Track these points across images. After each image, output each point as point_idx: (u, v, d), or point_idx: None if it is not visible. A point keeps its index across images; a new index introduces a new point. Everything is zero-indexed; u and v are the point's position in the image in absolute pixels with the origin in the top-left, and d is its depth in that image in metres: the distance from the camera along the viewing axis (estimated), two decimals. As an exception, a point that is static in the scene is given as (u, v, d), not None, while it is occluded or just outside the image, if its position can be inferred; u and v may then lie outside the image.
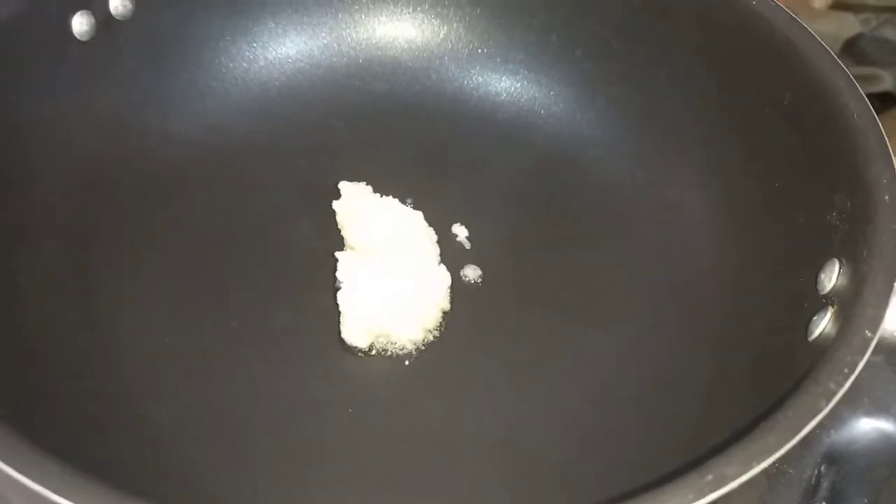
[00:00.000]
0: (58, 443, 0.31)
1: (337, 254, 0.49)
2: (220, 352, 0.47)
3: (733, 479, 0.28)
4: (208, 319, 0.48)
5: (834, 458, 0.46)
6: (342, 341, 0.47)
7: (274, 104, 0.58)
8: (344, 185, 0.52)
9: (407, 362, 0.47)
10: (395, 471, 0.43)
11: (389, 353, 0.47)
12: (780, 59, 0.47)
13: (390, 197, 0.52)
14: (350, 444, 0.44)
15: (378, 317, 0.47)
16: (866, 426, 0.46)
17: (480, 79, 0.60)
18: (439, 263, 0.50)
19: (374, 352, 0.47)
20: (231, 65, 0.58)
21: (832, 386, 0.31)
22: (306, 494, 0.42)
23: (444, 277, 0.49)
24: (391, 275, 0.48)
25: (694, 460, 0.30)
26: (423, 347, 0.48)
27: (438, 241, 0.51)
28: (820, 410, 0.30)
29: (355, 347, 0.47)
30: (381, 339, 0.47)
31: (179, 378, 0.45)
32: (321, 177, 0.54)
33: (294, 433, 0.44)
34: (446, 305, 0.49)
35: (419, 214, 0.51)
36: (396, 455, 0.44)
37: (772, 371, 0.39)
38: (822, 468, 0.46)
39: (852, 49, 0.84)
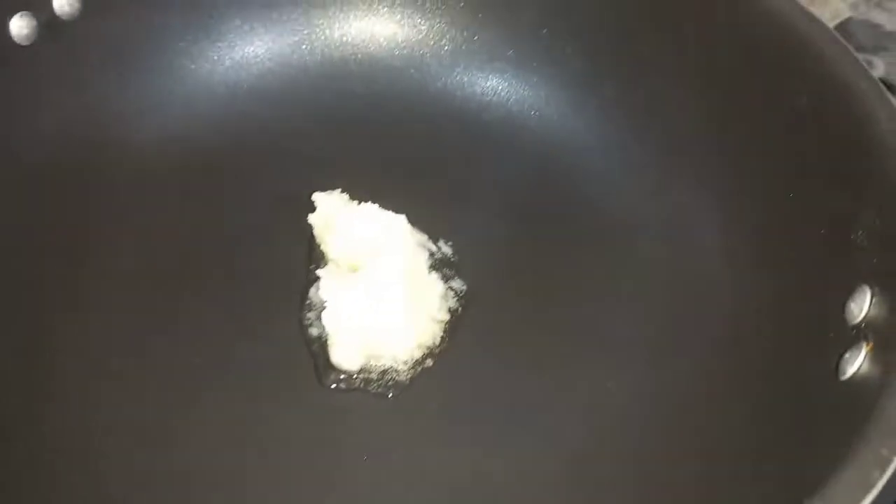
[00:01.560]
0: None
1: (319, 272, 0.45)
2: (180, 392, 0.42)
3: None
4: (167, 355, 0.43)
5: None
6: (320, 374, 0.43)
7: (241, 109, 0.53)
8: (318, 196, 0.48)
9: (390, 396, 0.43)
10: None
11: (374, 382, 0.43)
12: (796, 57, 0.43)
13: (369, 203, 0.48)
14: (329, 491, 0.40)
15: (369, 336, 0.43)
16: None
17: (465, 78, 0.56)
18: (430, 271, 0.46)
19: (357, 382, 0.43)
20: (193, 67, 0.53)
21: (884, 452, 0.26)
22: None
23: (435, 286, 0.46)
24: (378, 289, 0.44)
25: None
26: (407, 381, 0.43)
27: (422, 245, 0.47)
28: (873, 485, 0.26)
29: (342, 373, 0.43)
30: (373, 361, 0.44)
31: (134, 431, 0.40)
32: (294, 188, 0.49)
33: (267, 482, 0.40)
34: (441, 316, 0.45)
35: (402, 218, 0.47)
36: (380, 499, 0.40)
37: (798, 414, 0.35)
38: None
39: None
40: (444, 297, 0.46)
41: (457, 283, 0.47)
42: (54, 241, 0.46)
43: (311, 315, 0.45)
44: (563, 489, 0.40)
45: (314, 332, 0.45)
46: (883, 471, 0.26)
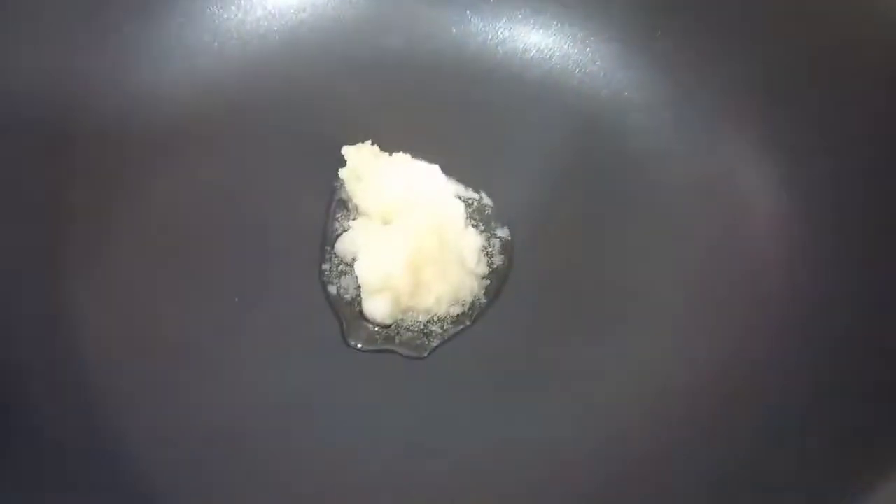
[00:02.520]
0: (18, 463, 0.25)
1: (349, 222, 0.44)
2: (206, 347, 0.41)
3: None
4: (194, 310, 0.42)
5: None
6: (345, 333, 0.41)
7: (273, 61, 0.51)
8: (347, 150, 0.46)
9: (426, 355, 0.41)
10: (401, 485, 0.37)
11: (405, 341, 0.41)
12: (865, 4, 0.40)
13: (401, 153, 0.46)
14: (353, 452, 0.38)
15: (403, 289, 0.41)
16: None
17: (507, 33, 0.53)
18: (467, 224, 0.44)
19: (383, 340, 0.41)
20: (225, 15, 0.51)
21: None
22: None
23: (473, 239, 0.44)
24: (412, 241, 0.42)
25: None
26: (440, 341, 0.42)
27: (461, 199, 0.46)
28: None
29: (373, 328, 0.42)
30: (407, 315, 0.42)
31: (159, 381, 0.39)
32: (326, 143, 0.47)
33: (293, 440, 0.38)
34: (480, 270, 0.44)
35: (436, 167, 0.45)
36: (403, 468, 0.38)
37: (854, 395, 0.32)
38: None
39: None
40: (483, 250, 0.45)
41: (498, 236, 0.45)
42: (80, 192, 0.44)
43: (335, 272, 0.43)
44: (593, 458, 0.38)
45: (339, 290, 0.43)
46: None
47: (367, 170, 0.45)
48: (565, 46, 0.52)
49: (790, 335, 0.38)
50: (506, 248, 0.45)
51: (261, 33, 0.52)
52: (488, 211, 0.46)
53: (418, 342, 0.42)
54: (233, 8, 0.51)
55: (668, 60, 0.50)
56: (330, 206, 0.46)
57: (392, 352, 0.42)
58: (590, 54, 0.52)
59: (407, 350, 0.42)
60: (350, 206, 0.46)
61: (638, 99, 0.50)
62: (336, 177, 0.46)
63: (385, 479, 0.38)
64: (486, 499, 0.37)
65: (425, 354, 0.42)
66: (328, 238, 0.45)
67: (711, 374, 0.39)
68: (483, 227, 0.46)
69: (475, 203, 0.47)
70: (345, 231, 0.45)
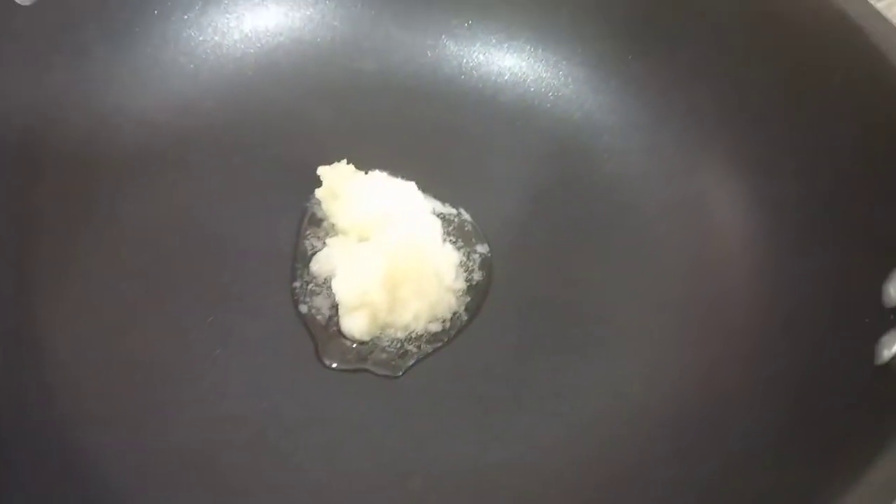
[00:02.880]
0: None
1: (328, 240, 0.44)
2: (179, 367, 0.40)
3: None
4: (166, 329, 0.41)
5: None
6: (320, 356, 0.41)
7: (249, 84, 0.51)
8: (323, 169, 0.46)
9: (397, 376, 0.41)
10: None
11: (382, 358, 0.41)
12: (830, 33, 0.41)
13: (377, 171, 0.46)
14: (329, 474, 0.38)
15: (380, 306, 0.41)
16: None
17: (482, 57, 0.54)
18: (444, 240, 0.45)
19: (359, 360, 0.41)
20: (201, 38, 0.51)
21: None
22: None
23: (450, 255, 0.44)
24: (390, 258, 0.42)
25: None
26: (416, 359, 0.42)
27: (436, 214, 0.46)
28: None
29: (351, 345, 0.42)
30: (387, 332, 0.42)
31: (129, 401, 0.39)
32: (301, 166, 0.47)
33: (266, 460, 0.38)
34: (458, 286, 0.44)
35: (412, 185, 0.46)
36: (378, 488, 0.38)
37: (830, 401, 0.32)
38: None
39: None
40: (462, 265, 0.45)
41: (478, 252, 0.46)
42: (52, 210, 0.44)
43: (308, 290, 0.43)
44: (572, 479, 0.38)
45: (311, 309, 0.43)
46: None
47: (343, 188, 0.45)
48: (538, 70, 0.53)
49: (763, 350, 0.39)
50: (485, 264, 0.45)
51: (237, 56, 0.52)
52: (468, 227, 0.47)
53: (393, 362, 0.42)
54: (209, 31, 0.51)
55: (639, 84, 0.50)
56: (301, 225, 0.46)
57: (366, 371, 0.41)
58: (562, 78, 0.53)
59: (381, 369, 0.41)
60: (324, 224, 0.46)
61: (610, 122, 0.51)
62: (309, 197, 0.46)
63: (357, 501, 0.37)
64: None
65: (400, 374, 0.41)
66: (299, 257, 0.45)
67: (687, 389, 0.39)
68: (462, 244, 0.46)
69: (455, 219, 0.47)
70: (319, 250, 0.45)
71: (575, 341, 0.43)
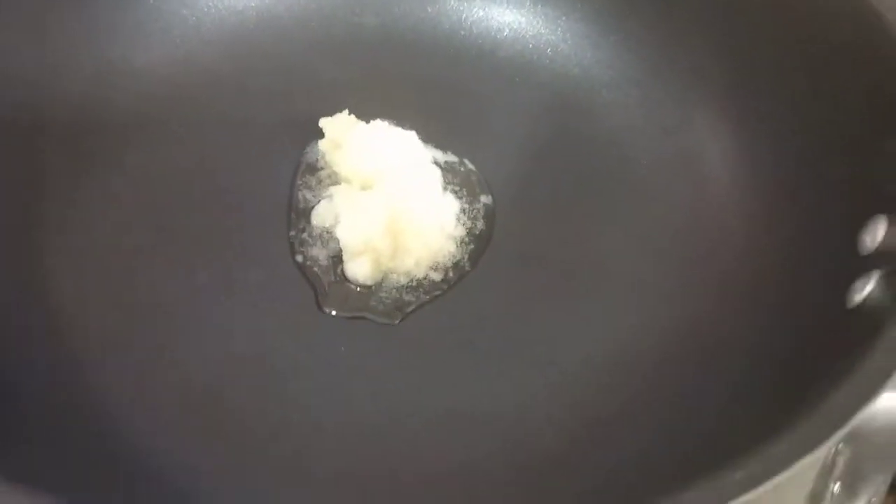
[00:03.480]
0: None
1: (331, 188, 0.45)
2: (185, 310, 0.41)
3: (765, 479, 0.23)
4: (172, 275, 0.42)
5: (851, 436, 0.41)
6: (320, 301, 0.43)
7: (250, 36, 0.52)
8: (325, 121, 0.47)
9: (395, 323, 0.42)
10: (375, 447, 0.38)
11: (381, 304, 0.42)
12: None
13: (378, 120, 0.47)
14: (328, 413, 0.39)
15: (384, 251, 0.43)
16: (889, 401, 0.41)
17: (482, 12, 0.54)
18: (444, 189, 0.46)
19: (359, 306, 0.42)
20: (202, -10, 0.52)
21: (887, 363, 0.25)
22: (279, 470, 0.37)
23: (450, 204, 0.45)
24: (392, 205, 0.43)
25: (719, 456, 0.25)
26: (415, 306, 0.43)
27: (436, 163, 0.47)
28: (875, 392, 0.25)
29: (355, 288, 0.43)
30: (386, 277, 0.43)
31: (139, 343, 0.40)
32: (302, 117, 0.49)
33: (267, 401, 0.39)
34: (458, 233, 0.45)
35: (412, 134, 0.47)
36: (377, 430, 0.39)
37: (809, 346, 0.34)
38: (839, 446, 0.41)
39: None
40: (465, 214, 0.46)
41: (482, 202, 0.47)
42: (57, 159, 0.45)
43: (310, 239, 0.45)
44: (563, 420, 0.39)
45: (305, 260, 0.44)
46: (883, 382, 0.25)
47: (345, 138, 0.46)
48: (538, 25, 0.54)
49: (749, 299, 0.40)
50: (489, 214, 0.46)
51: (239, 9, 0.53)
52: (473, 178, 0.48)
53: (391, 311, 0.43)
54: (210, -16, 0.52)
55: (637, 39, 0.51)
56: (296, 175, 0.47)
57: (365, 318, 0.43)
58: (561, 33, 0.53)
59: (380, 316, 0.43)
60: (320, 174, 0.47)
61: (608, 77, 0.52)
62: (308, 148, 0.47)
63: (353, 441, 0.38)
64: (449, 460, 0.38)
65: (397, 321, 0.43)
66: (294, 206, 0.46)
67: (676, 336, 0.41)
68: (465, 193, 0.47)
69: (461, 169, 0.48)
70: (315, 201, 0.46)
71: (570, 291, 0.44)
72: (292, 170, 0.47)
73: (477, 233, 0.46)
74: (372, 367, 0.41)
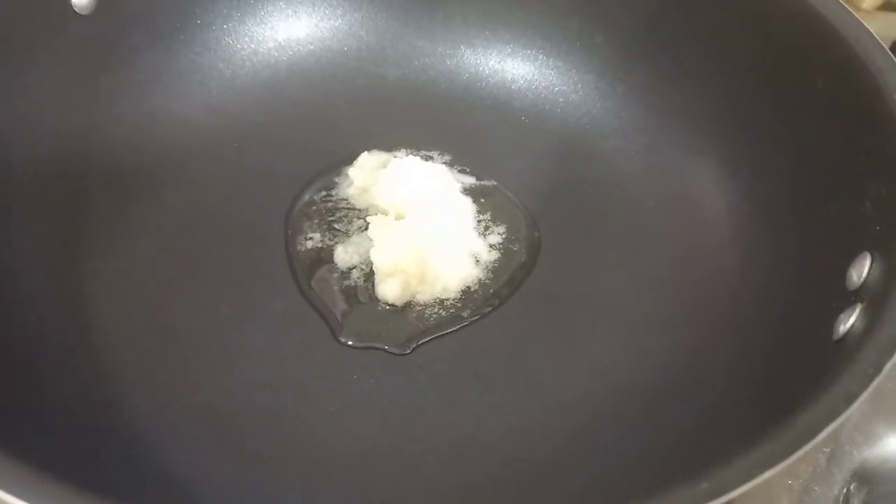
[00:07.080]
0: (32, 437, 0.29)
1: (368, 217, 0.48)
2: (210, 338, 0.44)
3: (732, 488, 0.25)
4: (199, 305, 0.46)
5: (866, 477, 0.42)
6: (335, 334, 0.45)
7: (281, 87, 0.56)
8: (363, 156, 0.52)
9: (405, 353, 0.45)
10: (382, 467, 0.41)
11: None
12: (814, 37, 0.44)
13: (410, 155, 0.52)
14: (338, 436, 0.41)
15: (413, 274, 0.46)
16: (900, 445, 0.42)
17: (497, 65, 0.58)
18: (474, 220, 0.50)
19: (373, 338, 0.45)
20: (238, 46, 0.56)
21: (854, 388, 0.27)
22: (289, 489, 0.40)
23: (477, 235, 0.50)
24: (424, 232, 0.47)
25: (696, 467, 0.26)
26: (420, 340, 0.45)
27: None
28: (838, 414, 0.26)
29: (384, 307, 0.46)
30: (419, 297, 0.47)
31: (164, 364, 0.43)
32: (327, 162, 0.52)
33: (282, 423, 0.42)
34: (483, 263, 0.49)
35: (443, 167, 0.50)
36: (385, 450, 0.41)
37: (793, 374, 0.35)
38: (852, 487, 0.42)
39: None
40: (487, 247, 0.50)
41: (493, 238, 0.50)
42: (101, 194, 0.49)
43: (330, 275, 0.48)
44: (562, 453, 0.41)
45: (332, 291, 0.47)
46: (849, 403, 0.27)
47: (380, 170, 0.50)
48: (550, 77, 0.57)
49: (740, 332, 0.42)
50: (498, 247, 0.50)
51: (271, 63, 0.57)
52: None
53: (403, 341, 0.45)
54: (246, 40, 0.56)
55: (642, 89, 0.54)
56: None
57: (378, 349, 0.45)
58: (572, 84, 0.56)
59: (392, 347, 0.45)
60: (346, 205, 0.51)
61: (615, 124, 0.55)
62: (333, 185, 0.51)
63: (361, 462, 0.41)
64: (453, 480, 0.40)
65: (408, 351, 0.45)
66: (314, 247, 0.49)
67: (669, 368, 0.42)
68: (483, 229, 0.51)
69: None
70: (341, 241, 0.49)
71: (572, 325, 0.46)
72: (320, 210, 0.51)
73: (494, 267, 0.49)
74: (381, 394, 0.43)
